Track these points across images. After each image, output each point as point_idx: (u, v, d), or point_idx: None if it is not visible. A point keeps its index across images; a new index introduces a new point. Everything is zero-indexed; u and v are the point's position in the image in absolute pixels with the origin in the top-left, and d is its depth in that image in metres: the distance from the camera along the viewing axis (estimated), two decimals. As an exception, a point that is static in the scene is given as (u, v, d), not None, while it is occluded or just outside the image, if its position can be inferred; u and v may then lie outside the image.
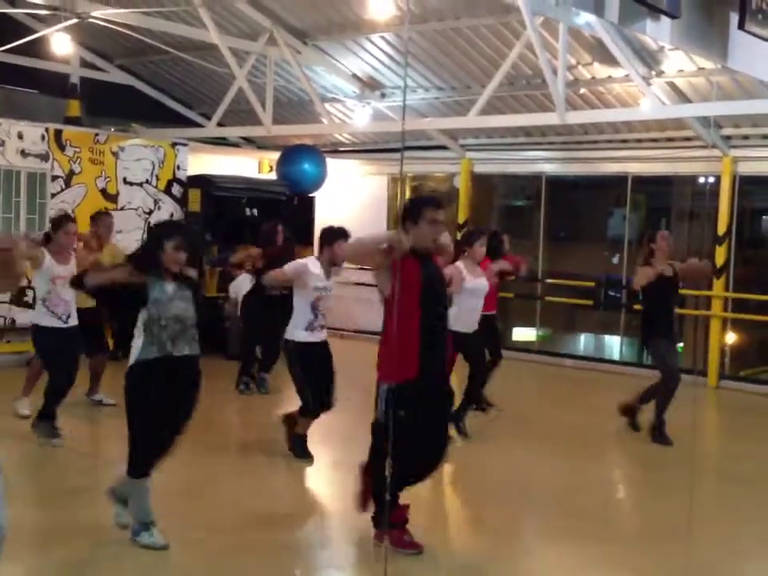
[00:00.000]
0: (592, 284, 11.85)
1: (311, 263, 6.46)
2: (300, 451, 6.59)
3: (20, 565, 4.46)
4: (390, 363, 4.63)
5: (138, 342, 4.75)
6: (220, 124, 11.38)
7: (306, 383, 6.44)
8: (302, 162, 12.44)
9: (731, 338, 10.73)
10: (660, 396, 7.58)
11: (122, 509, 4.88)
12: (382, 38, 10.43)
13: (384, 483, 4.40)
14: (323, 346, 6.59)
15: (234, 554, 4.78)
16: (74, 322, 6.92)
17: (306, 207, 12.77)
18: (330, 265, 6.48)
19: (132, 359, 4.77)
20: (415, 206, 4.82)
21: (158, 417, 4.68)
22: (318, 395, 6.45)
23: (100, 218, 8.46)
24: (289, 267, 6.49)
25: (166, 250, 4.75)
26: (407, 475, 4.69)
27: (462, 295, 7.01)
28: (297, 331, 6.46)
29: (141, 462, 4.73)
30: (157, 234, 4.99)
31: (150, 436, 4.71)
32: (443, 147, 12.32)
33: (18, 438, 6.76)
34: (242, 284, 10.27)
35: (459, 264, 7.09)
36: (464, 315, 6.98)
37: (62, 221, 7.09)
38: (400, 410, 4.49)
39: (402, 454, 4.39)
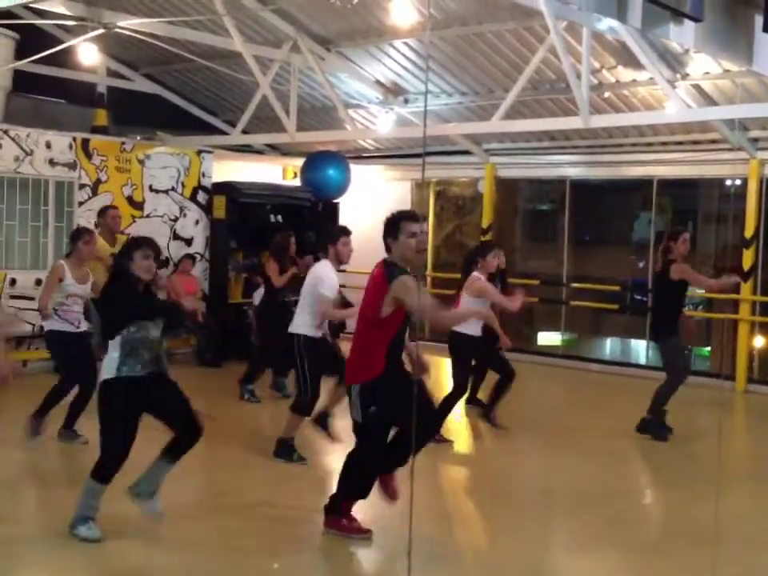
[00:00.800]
0: (617, 288, 11.78)
1: (329, 271, 6.60)
2: (290, 455, 6.59)
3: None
4: (360, 368, 4.93)
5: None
6: (244, 131, 11.46)
7: (311, 379, 6.50)
8: (326, 168, 12.49)
9: (759, 341, 10.62)
10: (665, 391, 7.70)
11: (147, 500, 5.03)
12: (405, 43, 10.46)
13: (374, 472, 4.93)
14: (326, 340, 6.76)
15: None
16: (84, 327, 7.05)
17: (331, 213, 12.82)
18: (338, 263, 6.61)
19: None
20: (393, 222, 4.97)
21: None
22: (316, 392, 6.55)
23: (106, 212, 8.73)
24: (328, 290, 6.57)
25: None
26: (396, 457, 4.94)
27: (470, 302, 7.36)
28: (306, 327, 6.54)
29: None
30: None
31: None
32: (467, 152, 12.32)
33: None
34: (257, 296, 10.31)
35: (476, 274, 7.51)
36: (473, 321, 7.28)
37: (82, 232, 7.21)
38: (370, 405, 4.83)
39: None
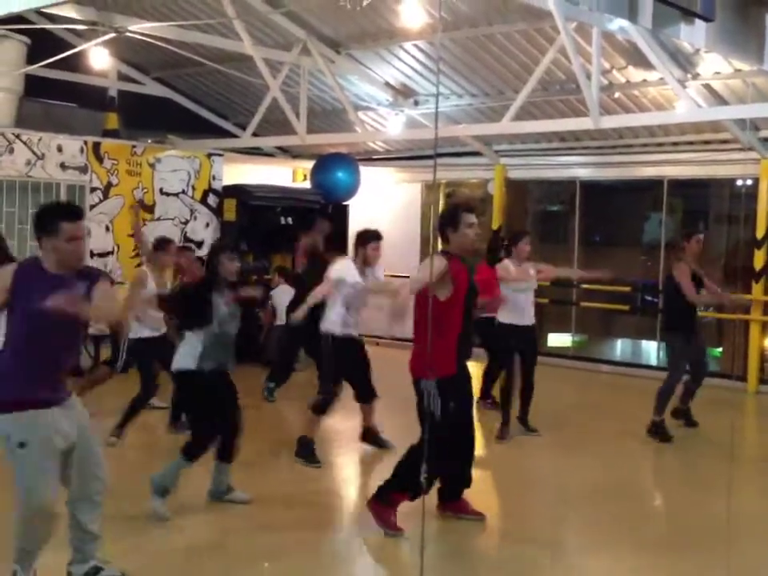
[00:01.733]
0: (628, 289, 11.75)
1: (348, 268, 6.60)
2: (310, 456, 6.63)
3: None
4: (435, 361, 4.95)
5: None
6: (255, 134, 11.48)
7: (332, 378, 6.58)
8: (335, 171, 12.51)
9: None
10: (662, 390, 7.78)
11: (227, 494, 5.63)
12: (415, 45, 10.47)
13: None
14: (357, 341, 6.79)
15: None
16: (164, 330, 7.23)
17: (340, 215, 12.84)
18: (364, 265, 6.63)
19: None
20: (453, 213, 5.12)
21: None
22: (337, 393, 6.68)
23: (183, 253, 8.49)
24: (333, 274, 6.63)
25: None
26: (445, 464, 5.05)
27: (510, 292, 7.47)
28: (332, 326, 6.61)
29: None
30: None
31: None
32: (477, 153, 12.32)
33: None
34: (281, 293, 10.35)
35: (507, 262, 7.62)
36: (517, 310, 7.51)
37: (162, 242, 7.42)
38: (450, 401, 4.95)
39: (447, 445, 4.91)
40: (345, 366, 6.63)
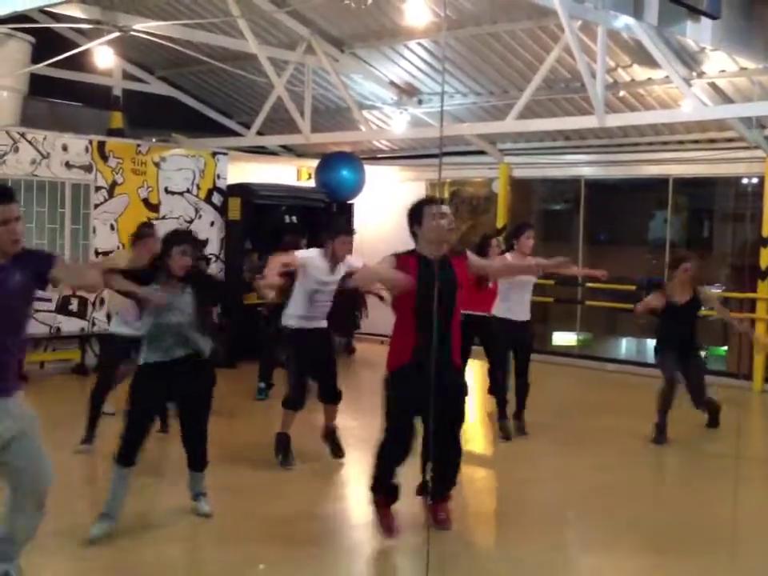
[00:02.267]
0: (633, 287, 11.73)
1: (317, 255, 6.48)
2: (284, 455, 6.54)
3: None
4: (389, 354, 5.05)
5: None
6: (259, 133, 11.48)
7: (294, 372, 6.50)
8: (340, 169, 12.51)
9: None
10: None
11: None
12: (419, 44, 10.46)
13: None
14: (318, 333, 6.52)
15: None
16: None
17: (345, 214, 12.83)
18: (333, 261, 6.45)
19: None
20: (415, 209, 5.03)
21: None
22: (304, 386, 6.51)
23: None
24: (298, 253, 6.56)
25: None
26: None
27: (511, 287, 7.40)
28: (291, 319, 6.49)
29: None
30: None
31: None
32: (481, 152, 12.31)
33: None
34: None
35: (508, 256, 7.44)
36: (515, 306, 7.48)
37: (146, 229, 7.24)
38: (393, 392, 4.93)
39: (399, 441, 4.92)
40: (300, 360, 6.48)
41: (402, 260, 4.94)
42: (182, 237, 5.19)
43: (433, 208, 4.94)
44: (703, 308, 7.94)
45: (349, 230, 6.61)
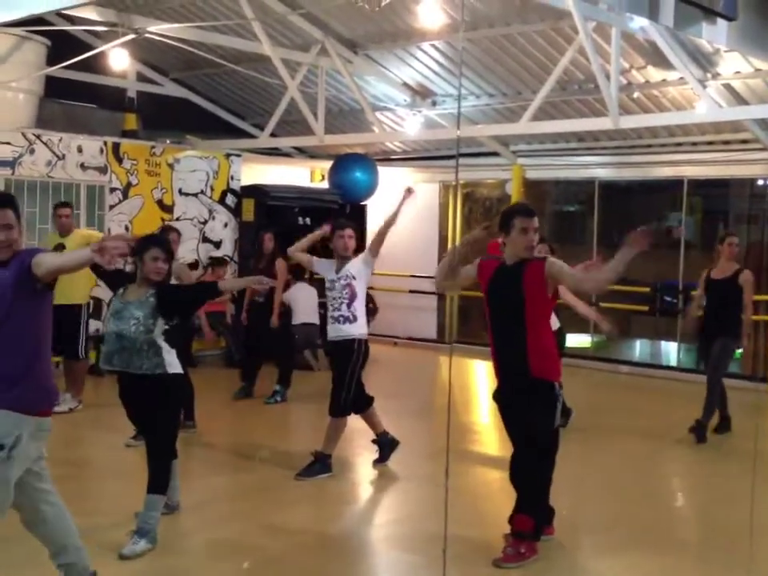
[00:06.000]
0: (647, 289, 11.69)
1: (319, 262, 6.59)
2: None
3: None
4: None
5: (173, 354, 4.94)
6: (273, 134, 11.51)
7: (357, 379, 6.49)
8: (354, 171, 12.52)
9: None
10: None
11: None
12: (433, 45, 10.46)
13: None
14: (333, 343, 6.45)
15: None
16: None
17: (358, 216, 12.84)
18: (337, 258, 6.44)
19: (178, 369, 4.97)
20: (506, 216, 4.89)
21: None
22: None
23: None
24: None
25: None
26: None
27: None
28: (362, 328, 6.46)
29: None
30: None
31: None
32: (495, 154, 12.29)
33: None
34: (296, 293, 10.37)
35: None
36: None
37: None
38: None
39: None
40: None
41: (482, 264, 4.95)
42: (153, 242, 5.04)
43: (521, 221, 4.77)
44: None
45: (343, 224, 6.52)
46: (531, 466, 4.81)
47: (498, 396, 4.94)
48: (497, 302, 4.83)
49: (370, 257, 6.44)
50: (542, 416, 4.73)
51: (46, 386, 3.79)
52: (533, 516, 4.80)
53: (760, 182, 11.16)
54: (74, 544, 3.99)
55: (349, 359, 6.28)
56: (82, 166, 10.44)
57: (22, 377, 3.66)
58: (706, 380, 7.93)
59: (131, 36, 9.22)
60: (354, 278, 6.34)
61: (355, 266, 6.39)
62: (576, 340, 12.55)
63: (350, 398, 6.31)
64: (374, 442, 6.77)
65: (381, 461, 6.73)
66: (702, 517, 6.10)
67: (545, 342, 4.78)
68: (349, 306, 6.31)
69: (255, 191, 11.87)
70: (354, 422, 6.74)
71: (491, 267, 4.89)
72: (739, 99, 9.57)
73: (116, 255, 3.43)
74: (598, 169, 11.92)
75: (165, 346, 4.87)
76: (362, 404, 6.57)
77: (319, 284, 8.67)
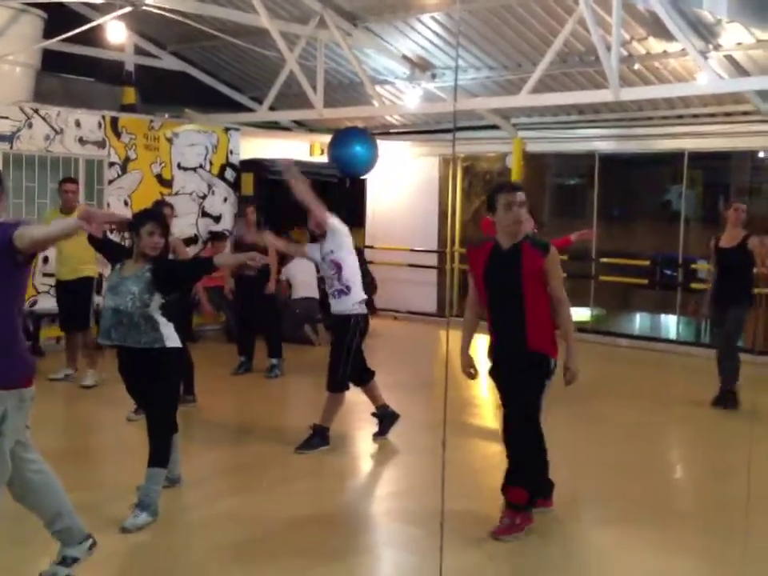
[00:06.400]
0: (647, 262, 11.69)
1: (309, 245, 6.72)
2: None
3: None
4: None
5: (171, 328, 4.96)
6: (271, 108, 11.44)
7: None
8: (352, 145, 12.46)
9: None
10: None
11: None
12: (433, 18, 10.36)
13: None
14: (334, 317, 6.53)
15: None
16: None
17: (358, 190, 12.81)
18: (318, 237, 6.45)
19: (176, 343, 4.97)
20: (490, 196, 4.86)
21: None
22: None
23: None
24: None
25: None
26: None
27: None
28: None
29: None
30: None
31: None
32: (495, 127, 12.24)
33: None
34: (295, 268, 10.38)
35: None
36: None
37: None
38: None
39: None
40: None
41: (472, 252, 4.94)
42: (148, 216, 5.06)
43: (504, 197, 4.72)
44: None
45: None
46: (523, 437, 4.84)
47: (494, 372, 4.94)
48: (495, 287, 4.79)
49: (328, 227, 6.37)
50: (533, 387, 4.78)
51: (23, 357, 3.78)
52: (525, 486, 4.83)
53: (761, 155, 11.12)
54: (66, 509, 4.02)
55: (345, 335, 6.32)
56: (81, 141, 10.40)
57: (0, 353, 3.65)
58: (717, 351, 7.93)
59: (128, 8, 9.14)
60: (332, 251, 6.34)
61: (328, 240, 6.37)
62: (575, 313, 12.57)
63: (347, 373, 6.35)
64: (373, 415, 6.81)
65: (380, 434, 6.77)
66: (700, 489, 6.13)
67: (543, 318, 4.76)
68: (339, 278, 6.33)
69: (254, 165, 11.83)
70: (354, 395, 6.77)
71: (484, 253, 4.83)
72: (741, 70, 9.50)
73: (104, 223, 3.39)
74: (599, 142, 11.86)
75: (162, 320, 4.90)
76: (363, 377, 6.63)
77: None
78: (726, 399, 7.91)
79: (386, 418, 6.78)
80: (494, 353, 4.91)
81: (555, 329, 4.86)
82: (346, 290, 6.33)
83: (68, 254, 8.10)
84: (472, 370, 5.01)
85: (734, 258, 7.78)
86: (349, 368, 6.34)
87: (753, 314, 8.69)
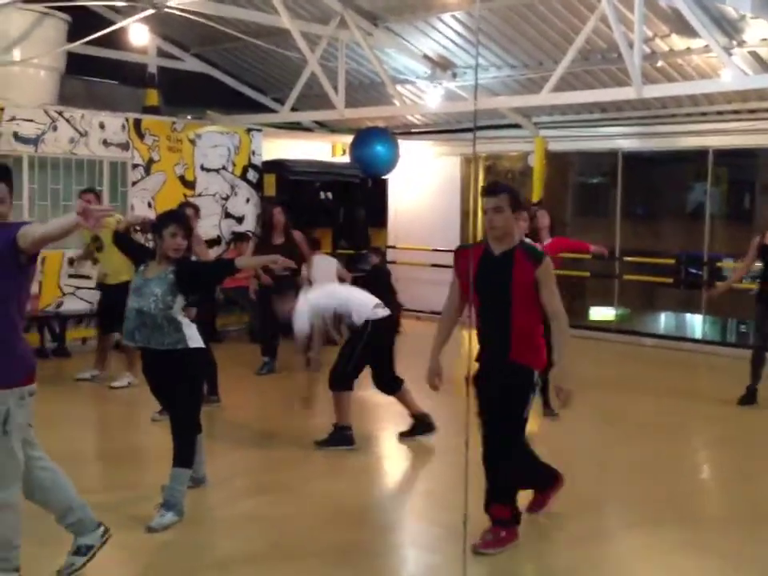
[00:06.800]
0: (672, 261, 11.59)
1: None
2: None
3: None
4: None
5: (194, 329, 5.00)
6: (293, 108, 11.48)
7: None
8: (374, 145, 12.47)
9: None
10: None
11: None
12: (453, 16, 10.34)
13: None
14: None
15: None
16: None
17: (380, 190, 12.81)
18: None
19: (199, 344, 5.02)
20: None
21: None
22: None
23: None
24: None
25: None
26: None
27: None
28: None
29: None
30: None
31: None
32: (517, 126, 12.19)
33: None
34: (319, 266, 10.39)
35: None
36: None
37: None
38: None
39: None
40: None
41: (461, 253, 4.77)
42: (171, 218, 5.09)
43: (483, 202, 4.56)
44: None
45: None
46: (504, 458, 4.61)
47: (477, 380, 4.63)
48: (483, 293, 4.53)
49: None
50: (515, 402, 4.54)
51: (22, 356, 3.80)
52: (508, 504, 4.65)
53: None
54: (77, 503, 4.07)
55: (354, 336, 6.39)
56: (105, 143, 10.48)
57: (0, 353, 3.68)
58: (754, 350, 7.94)
59: (151, 11, 9.20)
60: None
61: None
62: (600, 313, 12.51)
63: (346, 372, 6.36)
64: (412, 417, 6.76)
65: (407, 435, 6.74)
66: (727, 491, 6.07)
67: (530, 329, 4.54)
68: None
69: (277, 166, 11.87)
70: (377, 397, 6.78)
71: (474, 256, 4.58)
72: (765, 66, 9.40)
73: (101, 218, 3.41)
74: (622, 140, 11.79)
75: (185, 321, 4.94)
76: (393, 386, 6.64)
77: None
78: (753, 397, 7.93)
79: (419, 426, 6.73)
80: (480, 360, 4.69)
81: (544, 341, 4.64)
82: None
83: (111, 259, 8.13)
84: (437, 381, 4.79)
85: None
86: (350, 367, 6.35)
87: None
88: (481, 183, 13.19)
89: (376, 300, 6.46)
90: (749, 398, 7.94)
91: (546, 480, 5.11)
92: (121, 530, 4.23)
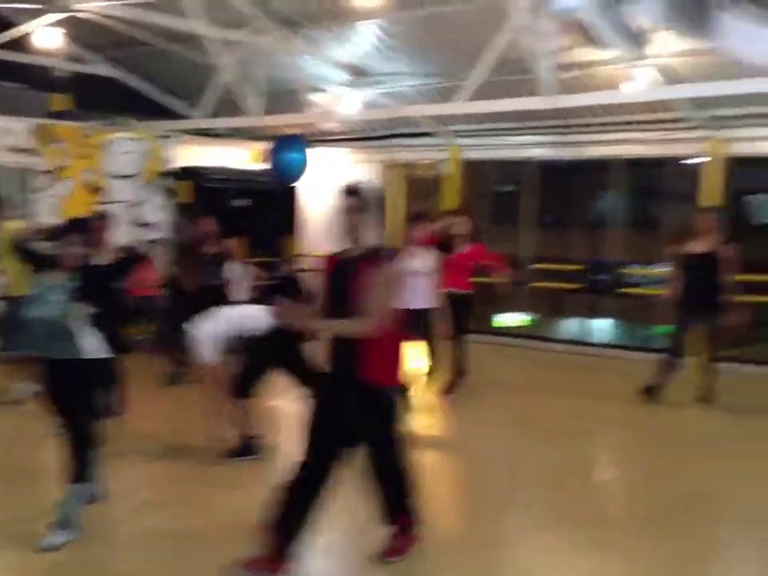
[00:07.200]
0: (580, 267, 11.79)
1: None
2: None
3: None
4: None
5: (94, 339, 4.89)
6: (211, 115, 11.32)
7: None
8: (286, 153, 12.41)
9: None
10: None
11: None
12: (372, 24, 10.35)
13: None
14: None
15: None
16: None
17: (289, 197, 12.79)
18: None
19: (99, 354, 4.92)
20: None
21: None
22: None
23: None
24: None
25: None
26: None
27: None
28: None
29: None
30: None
31: None
32: (432, 134, 12.27)
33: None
34: (232, 271, 10.25)
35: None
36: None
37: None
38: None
39: None
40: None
41: (326, 257, 4.44)
42: (71, 227, 5.11)
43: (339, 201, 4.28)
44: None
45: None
46: (388, 476, 4.55)
47: (318, 397, 4.46)
48: (330, 297, 4.30)
49: None
50: (374, 428, 4.39)
51: None
52: (406, 511, 4.59)
53: (692, 161, 11.31)
54: None
55: (254, 347, 6.36)
56: (10, 149, 10.15)
57: None
58: (670, 354, 8.14)
59: (59, 14, 8.96)
60: None
61: None
62: (511, 319, 12.67)
63: (245, 381, 6.34)
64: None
65: (233, 455, 6.42)
66: (631, 491, 6.18)
67: (381, 342, 4.18)
68: None
69: (191, 173, 11.71)
70: (287, 405, 6.69)
71: (333, 260, 4.38)
72: (671, 78, 9.66)
73: None
74: (536, 148, 11.96)
75: (85, 330, 4.81)
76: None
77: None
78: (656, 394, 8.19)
79: (246, 448, 6.48)
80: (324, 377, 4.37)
81: (397, 355, 4.37)
82: None
83: (17, 271, 7.83)
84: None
85: (707, 265, 7.95)
86: (248, 376, 6.33)
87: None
88: (402, 190, 13.25)
89: (267, 308, 6.39)
90: (652, 393, 8.17)
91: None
92: (13, 551, 4.06)
